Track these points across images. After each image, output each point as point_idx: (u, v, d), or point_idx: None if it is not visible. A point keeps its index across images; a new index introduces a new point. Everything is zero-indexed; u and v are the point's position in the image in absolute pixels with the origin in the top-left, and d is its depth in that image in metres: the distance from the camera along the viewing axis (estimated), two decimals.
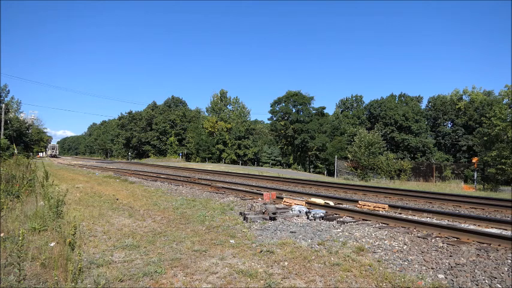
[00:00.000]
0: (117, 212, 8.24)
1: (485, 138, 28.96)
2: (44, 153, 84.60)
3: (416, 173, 32.58)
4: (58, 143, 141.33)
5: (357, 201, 10.16)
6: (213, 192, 12.60)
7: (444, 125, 66.34)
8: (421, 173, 32.59)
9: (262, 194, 10.75)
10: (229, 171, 30.35)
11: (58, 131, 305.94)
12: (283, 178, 21.12)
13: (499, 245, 5.52)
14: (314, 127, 63.03)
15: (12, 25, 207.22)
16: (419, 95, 76.22)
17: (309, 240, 5.86)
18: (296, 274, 4.28)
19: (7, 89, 55.73)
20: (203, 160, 65.79)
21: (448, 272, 4.45)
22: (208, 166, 42.54)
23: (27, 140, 56.68)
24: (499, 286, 4.00)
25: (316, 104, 74.10)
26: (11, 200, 7.57)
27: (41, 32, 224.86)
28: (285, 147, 68.47)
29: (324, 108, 68.14)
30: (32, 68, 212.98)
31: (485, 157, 27.27)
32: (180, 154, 73.98)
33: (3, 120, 44.85)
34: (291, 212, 8.55)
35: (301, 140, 63.26)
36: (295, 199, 10.15)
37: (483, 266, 4.60)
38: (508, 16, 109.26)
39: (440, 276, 4.32)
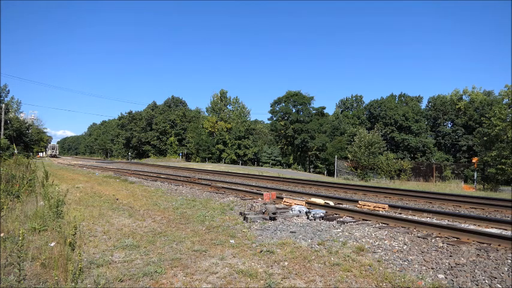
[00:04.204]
0: (117, 212, 8.24)
1: (485, 138, 28.92)
2: (44, 153, 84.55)
3: (416, 173, 32.59)
4: (58, 143, 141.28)
5: (357, 201, 10.16)
6: (213, 192, 12.60)
7: (444, 125, 66.30)
8: (421, 173, 32.59)
9: (262, 194, 10.75)
10: (229, 171, 30.34)
11: (58, 131, 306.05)
12: (283, 178, 21.11)
13: (499, 245, 5.52)
14: (314, 127, 63.01)
15: (12, 25, 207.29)
16: (419, 95, 76.34)
17: (309, 240, 5.86)
18: (296, 274, 4.28)
19: (7, 89, 55.70)
20: (203, 160, 65.77)
21: (448, 272, 4.45)
22: (208, 166, 42.53)
23: (27, 140, 56.60)
24: (499, 286, 4.00)
25: (316, 104, 74.19)
26: (11, 200, 7.56)
27: (41, 31, 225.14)
28: (285, 147, 68.45)
29: (324, 108, 68.16)
30: (32, 68, 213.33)
31: (485, 157, 27.24)
32: (180, 154, 73.98)
33: (3, 120, 44.83)
34: (291, 212, 8.54)
35: (301, 140, 63.24)
36: (295, 199, 10.14)
37: (483, 266, 4.60)
38: (508, 16, 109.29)
39: (440, 276, 4.32)
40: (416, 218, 7.94)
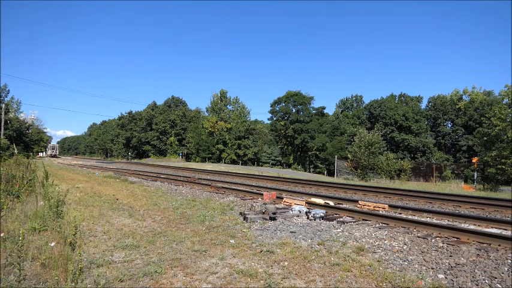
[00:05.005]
0: (117, 212, 8.24)
1: (485, 138, 28.89)
2: (44, 153, 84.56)
3: (416, 173, 32.55)
4: (58, 143, 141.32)
5: (357, 201, 10.16)
6: (213, 192, 12.60)
7: (444, 125, 66.33)
8: (421, 173, 32.56)
9: (262, 194, 10.75)
10: (229, 171, 30.34)
11: (58, 131, 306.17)
12: (283, 178, 21.11)
13: (499, 245, 5.52)
14: (314, 127, 62.99)
15: (13, 25, 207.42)
16: (419, 95, 76.38)
17: (309, 240, 5.86)
18: (296, 274, 4.28)
19: (7, 89, 55.64)
20: (203, 160, 65.77)
21: (448, 272, 4.45)
22: (208, 166, 42.53)
23: (27, 140, 56.60)
24: (499, 286, 4.00)
25: (316, 104, 74.06)
26: (11, 200, 7.56)
27: (41, 32, 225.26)
28: (285, 147, 68.42)
29: (324, 108, 68.13)
30: (32, 68, 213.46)
31: (485, 157, 27.21)
32: (180, 154, 73.98)
33: (3, 120, 44.83)
34: (291, 212, 8.55)
35: (301, 140, 63.22)
36: (295, 199, 10.14)
37: (483, 266, 4.60)
38: (508, 16, 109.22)
39: (440, 276, 4.32)
40: (416, 218, 7.94)
